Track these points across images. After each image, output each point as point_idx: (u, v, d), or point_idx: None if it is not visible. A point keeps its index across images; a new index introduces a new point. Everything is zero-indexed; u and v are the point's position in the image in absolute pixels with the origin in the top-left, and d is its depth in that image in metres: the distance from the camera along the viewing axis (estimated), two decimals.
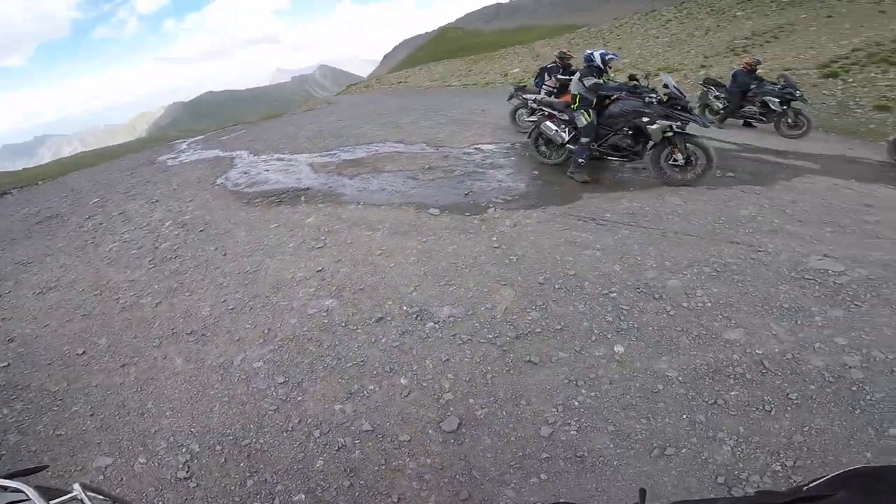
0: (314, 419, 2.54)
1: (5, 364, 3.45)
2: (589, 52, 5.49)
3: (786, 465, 2.04)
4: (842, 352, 2.59)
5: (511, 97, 8.40)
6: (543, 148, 6.19)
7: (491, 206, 4.91)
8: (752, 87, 8.44)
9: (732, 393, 2.41)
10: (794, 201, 4.67)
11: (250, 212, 5.62)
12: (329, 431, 2.46)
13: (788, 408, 2.30)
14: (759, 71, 8.83)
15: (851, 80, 11.34)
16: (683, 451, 2.15)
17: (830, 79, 11.60)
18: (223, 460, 2.39)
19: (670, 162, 5.20)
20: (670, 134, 5.09)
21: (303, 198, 5.77)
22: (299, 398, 2.70)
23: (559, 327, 2.99)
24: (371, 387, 2.70)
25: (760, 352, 2.64)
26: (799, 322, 2.85)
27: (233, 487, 2.25)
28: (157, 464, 2.44)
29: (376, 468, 2.25)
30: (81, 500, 1.03)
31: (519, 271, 3.63)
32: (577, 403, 2.45)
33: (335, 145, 8.52)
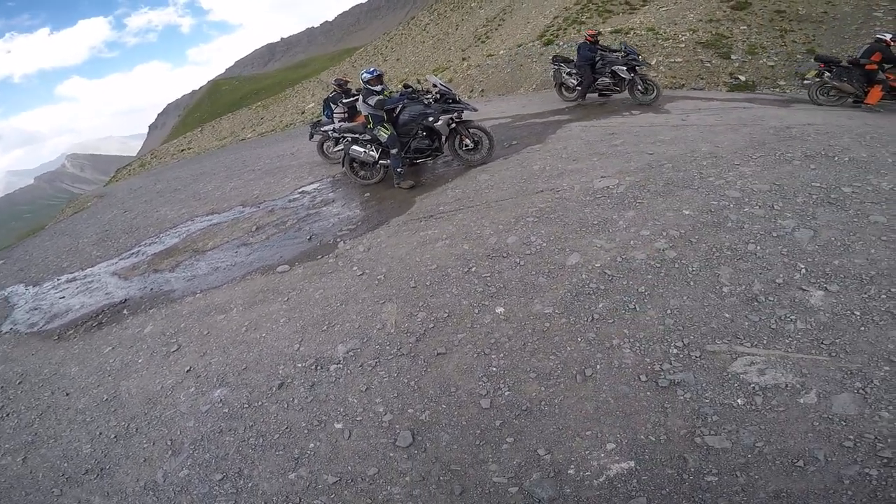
0: (276, 496, 2.38)
1: None
2: (361, 73, 5.93)
3: (678, 346, 2.60)
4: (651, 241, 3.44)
5: (311, 135, 8.48)
6: (361, 171, 6.46)
7: (339, 240, 4.96)
8: (597, 59, 8.29)
9: (600, 306, 3.00)
10: (566, 147, 5.87)
11: (69, 347, 4.55)
12: (299, 502, 2.31)
13: (644, 300, 2.96)
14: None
15: (562, 42, 14.46)
16: (599, 366, 2.62)
17: (548, 46, 14.45)
18: None
19: (464, 148, 6.00)
20: (454, 125, 5.87)
21: (125, 311, 4.88)
22: (249, 484, 2.47)
23: (446, 315, 3.29)
24: (311, 445, 2.61)
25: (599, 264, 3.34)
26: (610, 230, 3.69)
27: None
28: None
29: None
30: None
31: (390, 286, 3.83)
32: (494, 369, 2.76)
33: (134, 241, 7.34)
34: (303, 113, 20.98)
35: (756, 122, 5.87)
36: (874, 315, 2.54)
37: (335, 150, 7.75)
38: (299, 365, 3.24)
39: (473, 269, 3.71)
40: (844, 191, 3.69)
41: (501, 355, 2.85)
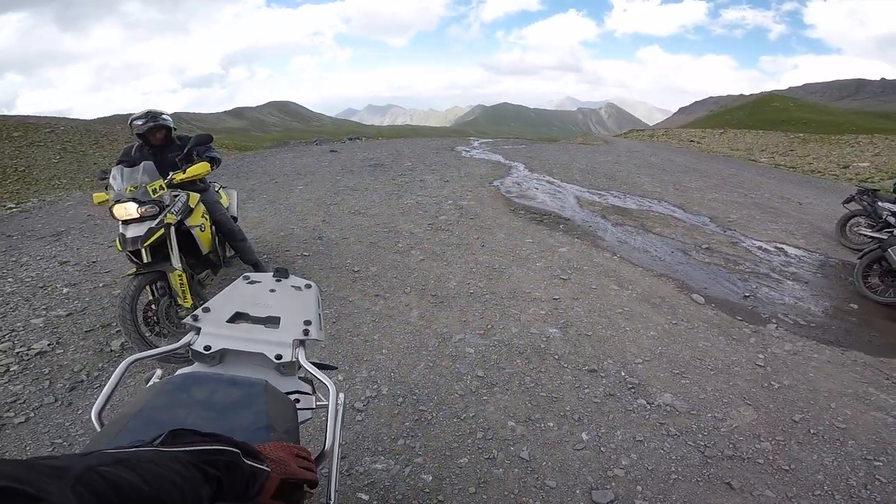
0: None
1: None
2: None
3: None
4: None
5: (850, 200, 6.53)
6: (876, 279, 4.64)
7: (774, 321, 4.01)
8: None
9: None
10: None
11: (513, 219, 6.21)
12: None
13: None
14: None
15: None
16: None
17: None
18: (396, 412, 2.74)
19: None
20: None
21: (561, 226, 5.99)
22: (485, 397, 2.87)
23: (786, 468, 2.32)
24: (551, 423, 2.64)
25: None
26: None
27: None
28: (349, 386, 2.99)
29: None
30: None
31: (773, 399, 2.94)
32: None
33: (606, 186, 8.49)
34: (845, 168, 16.41)
35: None
36: None
37: (865, 233, 5.80)
38: (623, 374, 3.11)
39: (879, 464, 2.42)
40: None
41: None
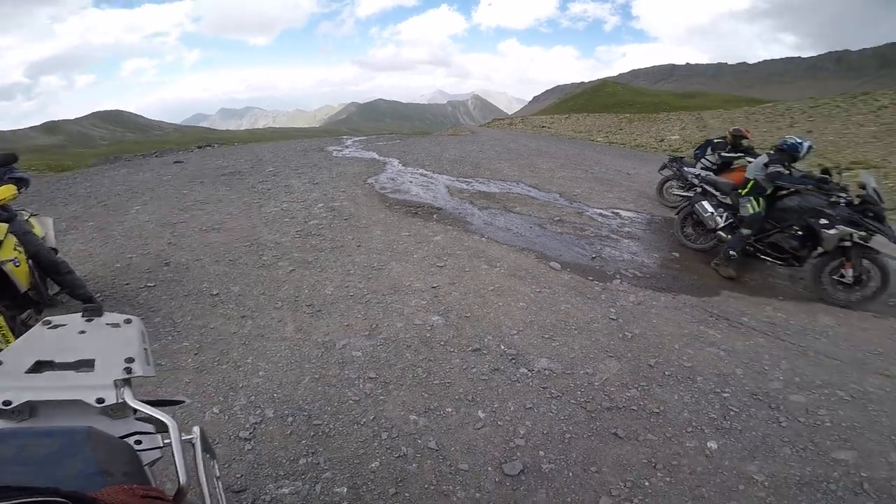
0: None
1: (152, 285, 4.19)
2: (793, 139, 4.88)
3: None
4: None
5: (664, 167, 7.93)
6: (690, 230, 5.70)
7: (618, 277, 4.66)
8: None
9: None
10: None
11: (389, 214, 6.18)
12: None
13: None
14: None
15: None
16: None
17: None
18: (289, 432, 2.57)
19: (835, 277, 4.39)
20: (847, 244, 4.29)
21: (435, 216, 6.15)
22: (381, 397, 2.84)
23: (655, 412, 2.76)
24: (449, 409, 2.75)
25: None
26: None
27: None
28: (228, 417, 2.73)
29: None
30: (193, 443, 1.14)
31: (630, 350, 3.41)
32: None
33: (472, 174, 8.97)
34: (661, 141, 20.02)
35: None
36: None
37: (676, 192, 7.09)
38: (502, 347, 3.32)
39: (726, 395, 2.93)
40: None
41: (667, 479, 2.18)
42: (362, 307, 3.83)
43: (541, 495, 2.22)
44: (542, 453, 2.45)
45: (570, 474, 2.33)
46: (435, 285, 4.21)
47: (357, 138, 15.36)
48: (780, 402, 2.91)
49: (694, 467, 2.39)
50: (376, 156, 11.03)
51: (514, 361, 3.18)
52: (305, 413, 2.67)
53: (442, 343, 3.36)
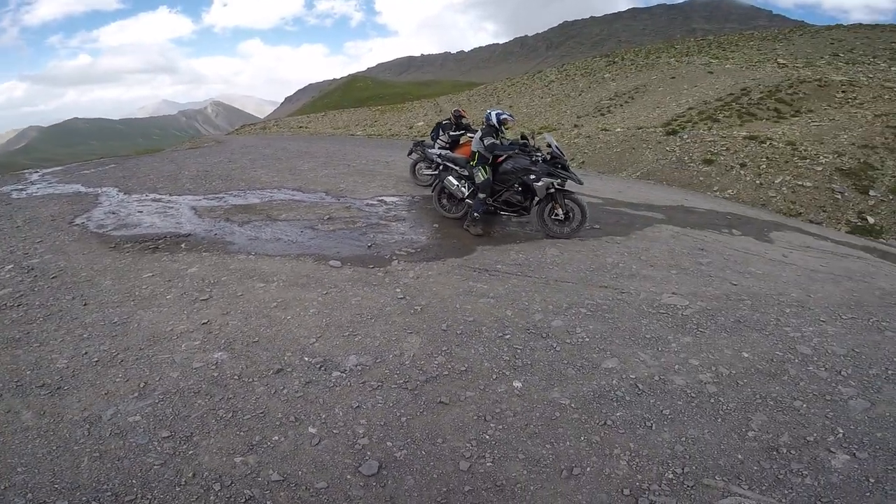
0: (208, 471, 2.24)
1: None
2: (489, 111, 6.05)
3: (675, 472, 2.34)
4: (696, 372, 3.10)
5: (411, 152, 8.82)
6: (445, 202, 6.54)
7: (395, 258, 4.99)
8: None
9: (617, 414, 2.71)
10: (648, 249, 5.52)
11: (117, 259, 4.92)
12: (229, 484, 2.20)
13: (664, 422, 2.67)
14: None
15: (686, 136, 13.78)
16: (588, 469, 2.32)
17: (671, 136, 13.99)
18: None
19: (552, 216, 5.85)
20: (553, 190, 5.73)
21: (184, 245, 5.23)
22: (190, 452, 2.43)
23: (464, 368, 3.12)
24: (276, 437, 2.54)
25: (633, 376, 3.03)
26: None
27: None
28: None
29: None
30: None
31: (423, 320, 3.74)
32: (488, 437, 2.52)
33: (223, 188, 7.99)
34: (411, 128, 22.22)
35: (864, 277, 5.16)
36: (888, 484, 2.26)
37: (426, 172, 7.96)
38: (306, 359, 3.20)
39: (508, 336, 3.52)
40: None
41: (500, 427, 2.63)
42: (118, 369, 3.09)
43: (409, 482, 2.28)
44: (389, 444, 2.50)
45: (423, 452, 2.45)
46: (205, 321, 3.66)
47: (49, 170, 11.54)
48: (547, 329, 3.62)
49: (514, 409, 2.77)
50: (81, 188, 8.58)
51: (323, 368, 3.10)
52: (109, 493, 2.16)
53: (236, 377, 3.01)
